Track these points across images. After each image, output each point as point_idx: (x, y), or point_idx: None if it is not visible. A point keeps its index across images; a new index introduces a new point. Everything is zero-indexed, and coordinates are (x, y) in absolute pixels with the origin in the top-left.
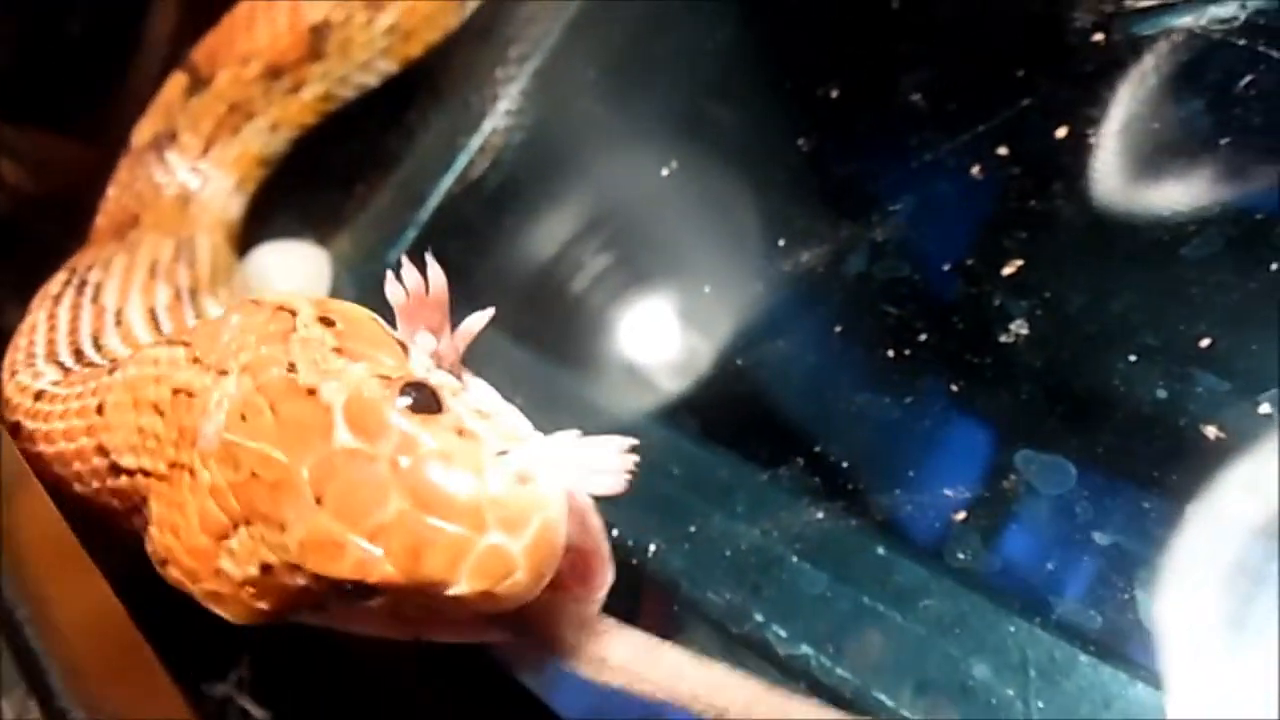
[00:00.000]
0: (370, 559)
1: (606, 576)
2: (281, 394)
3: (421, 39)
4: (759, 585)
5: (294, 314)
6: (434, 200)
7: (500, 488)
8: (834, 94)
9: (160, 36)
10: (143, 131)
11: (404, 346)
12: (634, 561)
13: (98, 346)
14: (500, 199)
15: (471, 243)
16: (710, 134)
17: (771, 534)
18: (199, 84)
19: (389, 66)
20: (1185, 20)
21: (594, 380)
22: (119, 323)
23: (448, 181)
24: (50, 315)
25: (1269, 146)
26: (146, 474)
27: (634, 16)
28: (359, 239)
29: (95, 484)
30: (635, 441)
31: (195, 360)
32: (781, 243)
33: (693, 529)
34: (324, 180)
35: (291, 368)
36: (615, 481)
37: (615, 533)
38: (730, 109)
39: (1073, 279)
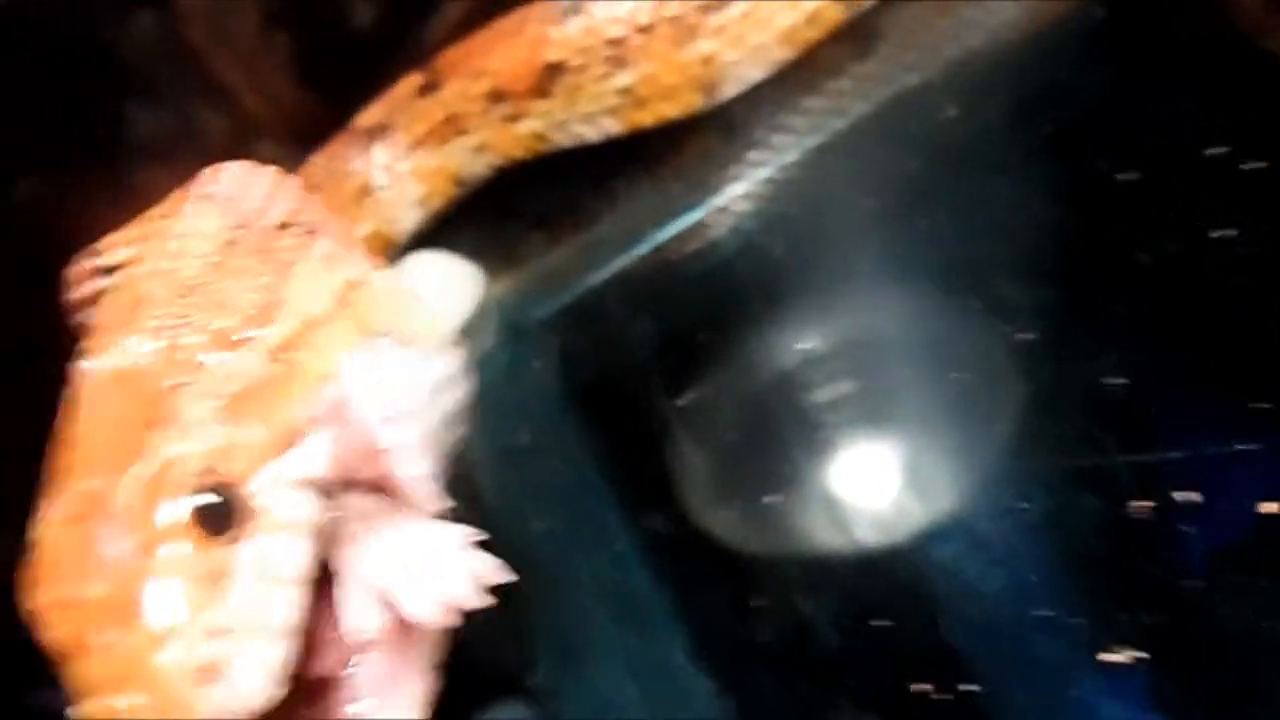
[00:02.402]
0: (48, 615)
1: None
2: (145, 396)
3: (656, 110)
4: None
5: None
6: (606, 272)
7: (169, 663)
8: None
9: (437, 40)
10: (366, 116)
11: (300, 434)
12: None
13: None
14: (669, 292)
15: (618, 325)
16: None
17: None
18: (430, 88)
19: (614, 126)
20: None
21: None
22: None
23: (628, 259)
24: None
25: None
26: None
27: (884, 166)
28: (517, 285)
29: None
30: (512, 579)
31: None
32: None
33: None
34: (506, 218)
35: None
36: (441, 617)
37: None
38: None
39: None
